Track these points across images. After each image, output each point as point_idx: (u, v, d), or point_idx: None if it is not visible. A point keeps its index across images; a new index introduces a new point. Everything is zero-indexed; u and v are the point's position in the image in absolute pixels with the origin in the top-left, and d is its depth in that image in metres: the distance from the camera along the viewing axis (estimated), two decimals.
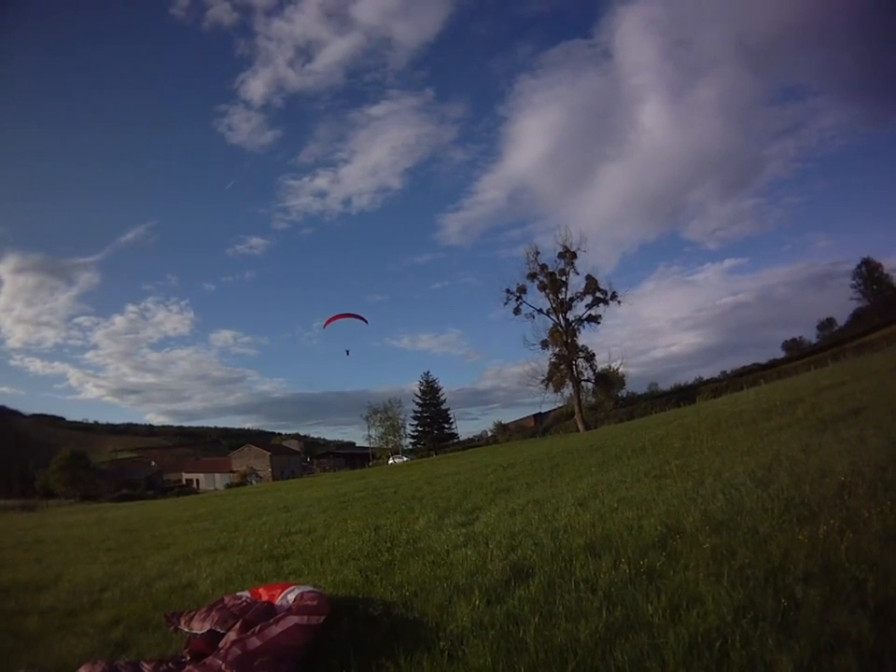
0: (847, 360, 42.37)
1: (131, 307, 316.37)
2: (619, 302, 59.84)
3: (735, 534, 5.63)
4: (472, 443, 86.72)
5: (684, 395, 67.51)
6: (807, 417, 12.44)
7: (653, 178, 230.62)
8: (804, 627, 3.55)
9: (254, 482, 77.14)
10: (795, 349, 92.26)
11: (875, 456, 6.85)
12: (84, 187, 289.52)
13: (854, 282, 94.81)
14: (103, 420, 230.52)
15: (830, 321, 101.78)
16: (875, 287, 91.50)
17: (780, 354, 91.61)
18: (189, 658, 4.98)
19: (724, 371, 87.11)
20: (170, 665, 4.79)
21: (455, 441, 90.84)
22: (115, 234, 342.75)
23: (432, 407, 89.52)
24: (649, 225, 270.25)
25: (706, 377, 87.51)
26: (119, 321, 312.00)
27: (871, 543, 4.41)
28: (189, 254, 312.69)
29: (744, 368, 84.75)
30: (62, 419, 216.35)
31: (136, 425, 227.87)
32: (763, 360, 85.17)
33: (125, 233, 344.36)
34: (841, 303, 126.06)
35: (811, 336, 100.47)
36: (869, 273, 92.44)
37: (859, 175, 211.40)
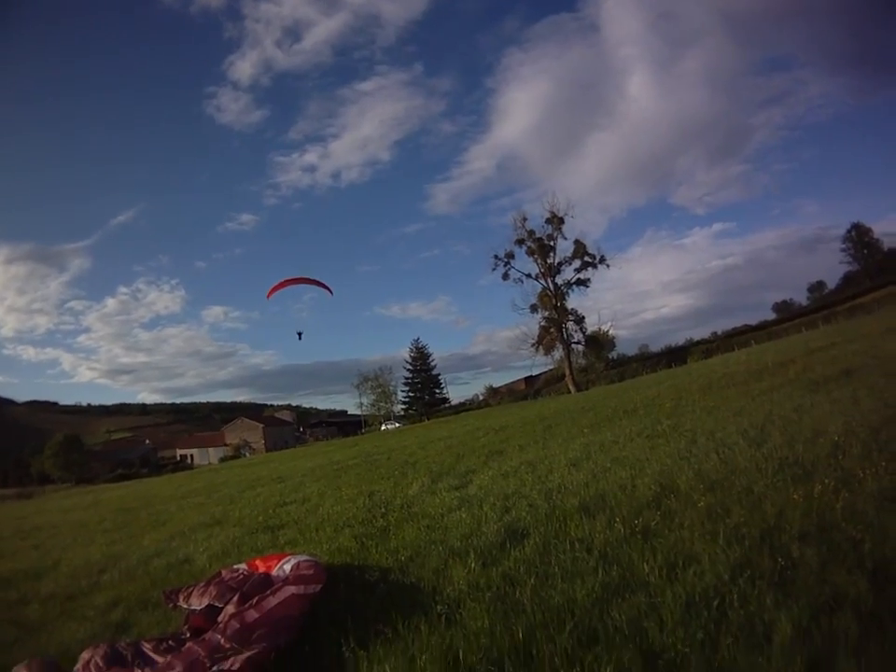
0: (839, 323, 42.53)
1: (122, 289, 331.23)
2: (607, 266, 60.39)
3: (730, 493, 5.63)
4: (464, 407, 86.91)
5: (675, 356, 67.78)
6: (799, 378, 12.41)
7: (641, 146, 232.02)
8: (801, 587, 3.55)
9: (247, 454, 77.30)
10: (786, 311, 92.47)
11: (868, 418, 6.82)
12: (74, 173, 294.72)
13: (844, 246, 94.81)
14: (96, 402, 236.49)
15: (820, 284, 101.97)
16: (865, 251, 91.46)
17: (771, 316, 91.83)
18: (188, 634, 4.99)
19: (715, 333, 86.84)
20: (170, 642, 4.79)
21: (447, 405, 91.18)
22: (106, 218, 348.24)
23: (423, 373, 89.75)
24: (637, 191, 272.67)
25: (696, 338, 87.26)
26: (110, 303, 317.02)
27: (866, 503, 4.40)
28: (180, 233, 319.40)
29: (734, 329, 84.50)
30: (55, 404, 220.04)
31: (129, 404, 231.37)
32: (753, 322, 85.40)
33: (116, 216, 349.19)
34: (831, 267, 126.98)
35: (801, 299, 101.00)
36: (859, 237, 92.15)
37: (847, 143, 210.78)
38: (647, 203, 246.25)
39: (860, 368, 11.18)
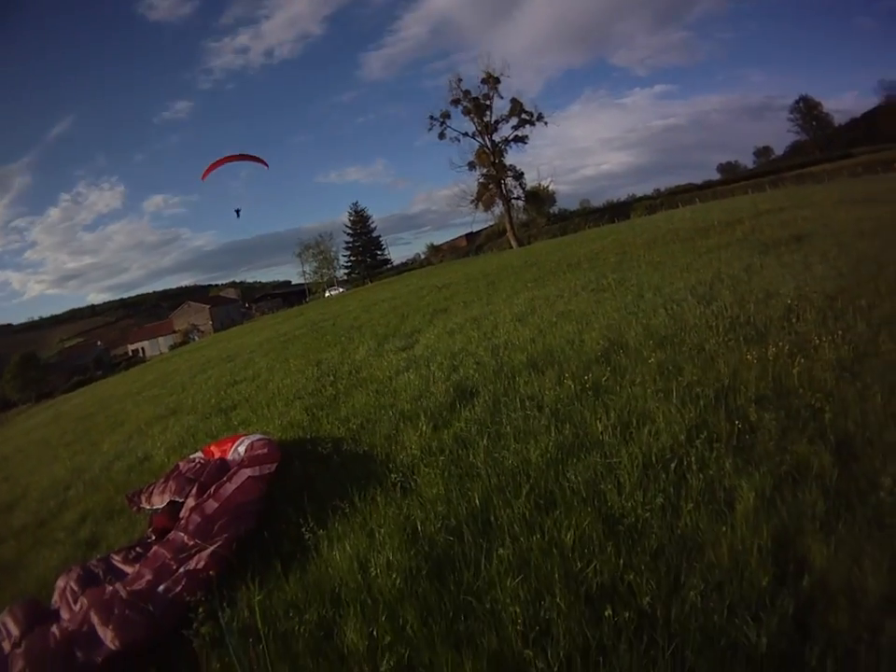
0: (787, 188, 42.25)
1: (64, 196, 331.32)
2: (545, 123, 59.65)
3: (681, 350, 5.56)
4: (406, 268, 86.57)
5: (618, 211, 68.00)
6: (747, 238, 12.21)
7: (578, 10, 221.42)
8: (761, 453, 3.50)
9: (196, 338, 75.28)
10: (731, 172, 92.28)
11: (822, 284, 6.68)
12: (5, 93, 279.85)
13: (792, 116, 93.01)
14: (47, 314, 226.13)
15: (767, 149, 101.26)
16: (814, 123, 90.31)
17: (716, 176, 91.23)
18: (154, 537, 4.98)
19: (658, 190, 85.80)
20: (138, 549, 4.80)
21: (389, 266, 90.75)
22: (43, 130, 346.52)
23: (363, 236, 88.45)
24: (574, 52, 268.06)
25: (639, 195, 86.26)
26: (53, 213, 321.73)
27: (825, 372, 4.31)
28: (117, 131, 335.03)
29: (678, 187, 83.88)
30: (8, 326, 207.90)
31: (79, 309, 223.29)
32: (698, 181, 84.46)
33: (53, 127, 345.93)
34: (778, 134, 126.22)
35: (748, 162, 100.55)
36: (808, 109, 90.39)
37: (797, 21, 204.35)
38: (585, 64, 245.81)
39: (811, 234, 10.91)
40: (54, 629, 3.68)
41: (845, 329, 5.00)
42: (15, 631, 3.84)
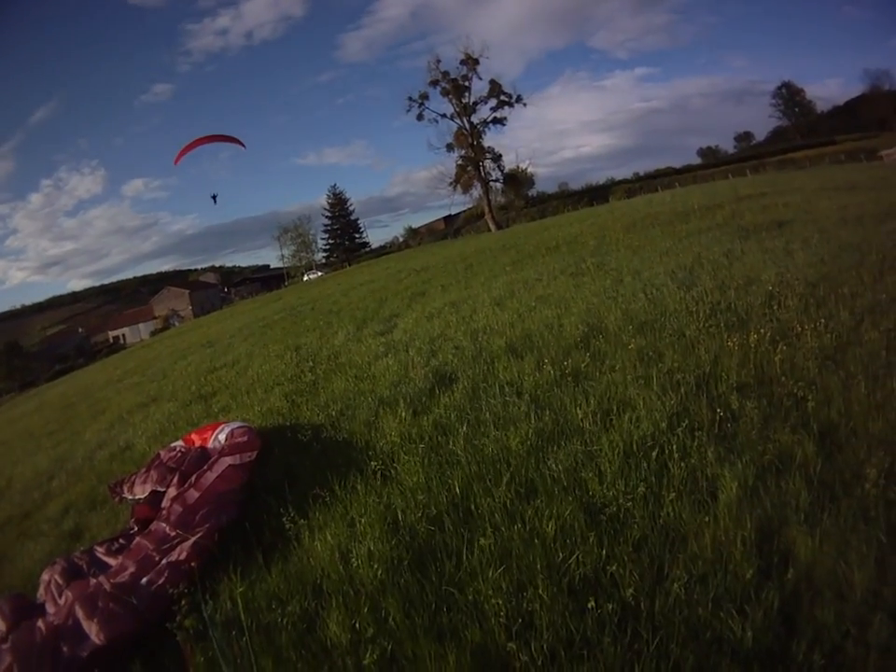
0: (768, 174, 42.44)
1: (45, 181, 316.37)
2: (524, 105, 59.80)
3: (661, 336, 5.52)
4: (385, 251, 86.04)
5: (596, 194, 68.29)
6: (728, 223, 12.16)
7: None
8: (744, 442, 3.47)
9: (176, 323, 74.17)
10: (711, 157, 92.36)
11: (804, 271, 6.63)
12: None
13: (774, 102, 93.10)
14: (29, 301, 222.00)
15: (748, 134, 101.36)
16: (796, 109, 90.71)
17: (696, 160, 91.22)
18: (136, 528, 4.97)
19: (637, 174, 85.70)
20: (120, 541, 4.78)
21: (368, 249, 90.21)
22: (24, 117, 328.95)
23: (341, 219, 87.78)
24: (555, 34, 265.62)
25: (618, 178, 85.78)
26: (35, 199, 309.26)
27: (807, 360, 4.29)
28: (97, 115, 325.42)
29: (657, 170, 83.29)
30: None
31: (61, 296, 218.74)
32: (677, 165, 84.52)
33: (34, 113, 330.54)
34: (760, 120, 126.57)
35: (728, 147, 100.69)
36: (790, 95, 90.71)
37: (782, 6, 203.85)
38: (566, 46, 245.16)
39: (792, 220, 10.85)
40: (40, 623, 3.67)
41: (827, 316, 4.98)
42: (2, 626, 3.85)
